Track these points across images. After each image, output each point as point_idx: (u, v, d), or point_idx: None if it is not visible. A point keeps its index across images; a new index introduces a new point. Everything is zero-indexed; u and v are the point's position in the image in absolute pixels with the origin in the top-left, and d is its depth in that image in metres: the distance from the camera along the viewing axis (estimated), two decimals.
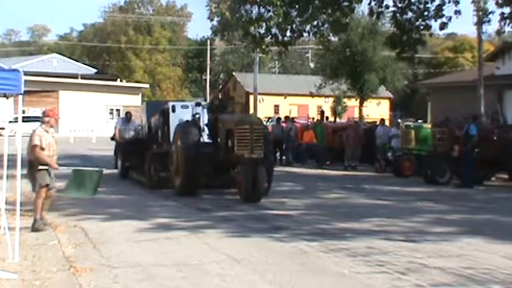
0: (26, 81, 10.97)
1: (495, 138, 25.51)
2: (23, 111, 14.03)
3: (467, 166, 24.43)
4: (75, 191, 14.18)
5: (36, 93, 62.47)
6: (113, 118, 72.62)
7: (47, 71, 74.71)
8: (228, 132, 20.04)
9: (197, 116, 21.40)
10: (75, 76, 78.07)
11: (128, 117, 27.13)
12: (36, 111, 65.40)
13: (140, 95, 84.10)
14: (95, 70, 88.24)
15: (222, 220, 15.56)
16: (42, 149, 13.35)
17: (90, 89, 75.54)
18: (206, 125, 21.57)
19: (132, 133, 26.18)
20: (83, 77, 79.64)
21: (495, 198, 21.47)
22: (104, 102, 73.39)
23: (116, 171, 25.28)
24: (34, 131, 13.64)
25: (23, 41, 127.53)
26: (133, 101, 78.49)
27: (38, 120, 54.69)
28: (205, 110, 22.12)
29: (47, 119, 13.76)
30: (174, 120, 22.56)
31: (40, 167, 13.37)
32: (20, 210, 11.49)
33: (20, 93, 11.09)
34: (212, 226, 14.74)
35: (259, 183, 18.64)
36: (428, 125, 32.42)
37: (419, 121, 43.40)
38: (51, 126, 13.85)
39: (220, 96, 22.49)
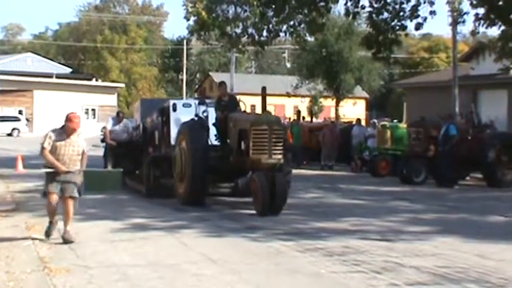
0: (0, 80, 10.93)
1: (470, 138, 25.66)
2: None
3: (448, 166, 24.59)
4: (98, 188, 14.11)
5: (10, 93, 62.19)
6: (88, 118, 72.39)
7: (21, 70, 74.17)
8: (241, 133, 17.48)
9: (205, 114, 18.76)
10: (50, 75, 77.57)
11: (120, 116, 25.06)
12: (10, 111, 65.33)
13: (116, 94, 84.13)
14: (70, 69, 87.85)
15: (198, 220, 15.53)
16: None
17: (66, 88, 75.20)
18: (214, 124, 18.73)
19: (124, 134, 24.06)
20: (58, 76, 79.19)
21: (469, 198, 21.59)
22: (80, 102, 72.97)
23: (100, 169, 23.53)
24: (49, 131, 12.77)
25: None
26: (109, 101, 78.61)
27: (13, 120, 54.30)
28: (213, 108, 19.40)
29: (64, 123, 12.60)
30: (174, 120, 20.56)
31: (44, 170, 12.70)
32: None
33: None
34: (188, 226, 14.72)
35: (278, 193, 16.11)
36: (404, 125, 32.55)
37: (395, 121, 43.46)
38: (67, 134, 12.47)
39: (225, 92, 19.67)
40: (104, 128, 25.69)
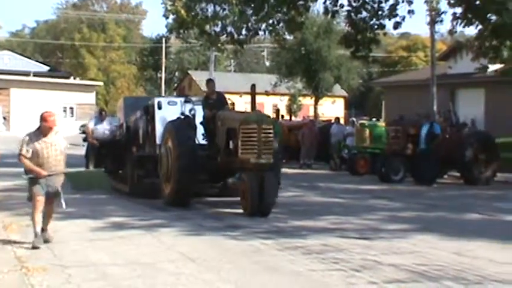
0: None
1: (448, 136, 25.80)
2: None
3: (431, 164, 24.74)
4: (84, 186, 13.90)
5: None
6: (66, 116, 72.08)
7: None
8: (229, 132, 16.97)
9: (192, 112, 18.14)
10: (27, 73, 77.26)
11: (103, 115, 24.79)
12: None
13: (94, 92, 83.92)
14: (48, 67, 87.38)
15: (177, 218, 15.51)
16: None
17: (43, 86, 74.87)
18: (201, 123, 18.15)
19: (107, 133, 23.59)
20: (36, 74, 78.78)
21: (447, 196, 21.70)
22: (58, 100, 72.50)
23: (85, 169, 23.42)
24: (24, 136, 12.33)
25: None
26: (87, 99, 78.35)
27: None
28: (199, 106, 18.77)
29: (40, 123, 12.12)
30: (159, 119, 19.82)
31: (24, 176, 12.25)
32: None
33: None
34: (167, 225, 14.69)
35: (267, 194, 15.71)
36: (382, 124, 32.76)
37: (374, 119, 43.66)
38: (45, 134, 12.01)
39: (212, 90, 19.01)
40: (84, 126, 25.20)
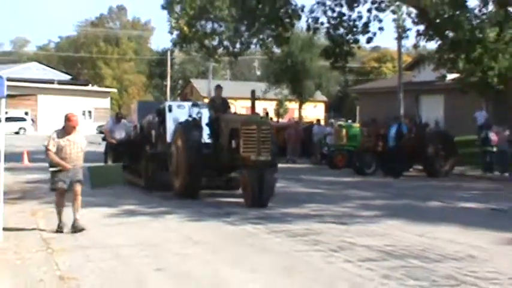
0: (8, 86, 10.84)
1: (412, 135, 25.84)
2: (6, 113, 13.48)
3: (400, 159, 24.79)
4: (101, 184, 13.69)
5: (17, 97, 61.62)
6: (85, 118, 71.89)
7: (27, 77, 73.61)
8: (232, 133, 16.50)
9: (199, 115, 17.79)
10: (51, 82, 77.16)
11: (118, 118, 24.02)
12: (17, 113, 64.83)
13: (109, 98, 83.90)
14: (70, 76, 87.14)
15: (181, 206, 15.48)
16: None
17: (65, 93, 74.81)
18: (207, 124, 17.72)
19: (123, 134, 22.87)
20: (59, 82, 78.73)
21: (412, 186, 21.70)
22: (78, 105, 72.18)
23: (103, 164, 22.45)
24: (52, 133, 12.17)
25: (6, 51, 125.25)
26: (103, 104, 78.55)
27: (20, 120, 53.61)
28: (205, 110, 18.50)
29: (64, 123, 12.06)
30: (170, 120, 19.67)
31: (50, 169, 12.05)
32: (4, 198, 11.34)
33: (3, 97, 10.98)
34: (172, 212, 14.67)
35: (266, 188, 15.44)
36: (357, 125, 32.75)
37: (350, 121, 43.63)
38: (68, 133, 11.93)
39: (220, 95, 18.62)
40: (101, 126, 24.89)
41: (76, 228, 11.74)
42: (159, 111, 20.69)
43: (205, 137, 17.58)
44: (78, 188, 11.97)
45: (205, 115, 17.89)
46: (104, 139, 24.37)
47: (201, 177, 16.94)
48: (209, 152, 17.00)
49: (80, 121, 12.54)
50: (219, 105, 18.12)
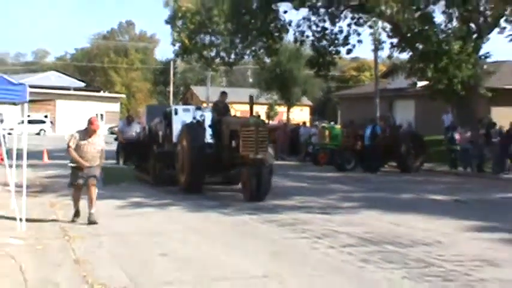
0: (30, 92, 10.84)
1: (387, 135, 25.88)
2: (28, 116, 13.44)
3: (375, 156, 24.84)
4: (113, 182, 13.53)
5: (38, 102, 61.44)
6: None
7: (46, 84, 73.58)
8: (232, 133, 16.25)
9: (202, 118, 17.55)
10: (68, 88, 77.28)
11: (129, 120, 23.98)
12: (38, 116, 64.72)
13: (119, 103, 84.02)
14: (84, 84, 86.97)
15: (183, 199, 15.46)
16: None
17: (80, 98, 74.93)
18: (210, 126, 17.47)
19: (133, 134, 22.79)
20: (75, 89, 78.83)
21: (387, 181, 21.73)
22: (91, 108, 72.10)
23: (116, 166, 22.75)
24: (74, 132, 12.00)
25: (28, 61, 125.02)
26: (114, 108, 78.72)
27: (40, 122, 53.17)
28: (208, 112, 18.35)
29: (87, 125, 11.84)
30: (176, 122, 19.32)
31: (70, 165, 11.82)
32: (26, 191, 11.32)
33: (26, 102, 10.99)
34: (175, 204, 14.67)
35: (263, 183, 15.16)
36: (338, 126, 32.81)
37: (332, 123, 43.66)
38: (89, 135, 11.70)
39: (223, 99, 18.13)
40: (111, 128, 24.78)
41: (90, 221, 11.45)
42: (166, 114, 20.40)
43: (208, 138, 17.37)
44: (93, 182, 11.66)
45: (207, 117, 17.67)
46: (116, 139, 24.19)
47: (204, 174, 16.70)
48: (211, 151, 16.75)
49: (101, 125, 12.26)
50: (221, 108, 17.80)
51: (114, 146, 24.36)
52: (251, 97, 17.74)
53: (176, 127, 18.94)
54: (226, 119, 17.14)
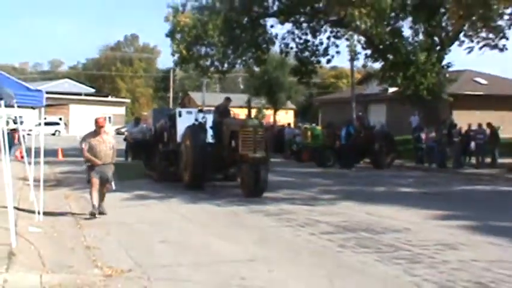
0: (46, 97, 10.82)
1: (362, 135, 25.93)
2: (44, 118, 13.32)
3: (349, 154, 24.89)
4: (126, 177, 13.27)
5: (53, 106, 61.15)
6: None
7: (61, 90, 73.45)
8: (232, 134, 15.72)
9: (204, 119, 17.07)
10: (80, 94, 77.18)
11: (137, 122, 23.66)
12: (53, 118, 64.49)
13: (124, 107, 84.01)
14: (94, 90, 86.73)
15: (181, 192, 15.43)
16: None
17: (90, 102, 74.69)
18: (211, 127, 16.97)
19: (140, 135, 22.35)
20: (86, 94, 78.70)
21: (362, 176, 21.81)
22: (100, 112, 71.71)
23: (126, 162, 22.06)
24: (84, 135, 11.70)
25: (44, 70, 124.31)
26: (120, 111, 78.69)
27: (55, 124, 52.82)
28: (209, 115, 17.74)
29: (94, 125, 11.51)
30: (180, 123, 18.58)
31: (86, 164, 11.47)
32: (43, 185, 11.28)
33: (42, 106, 10.97)
34: (174, 196, 14.65)
35: (261, 181, 14.63)
36: (319, 127, 32.82)
37: (314, 124, 43.70)
38: (98, 133, 11.37)
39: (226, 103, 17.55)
40: (117, 129, 24.37)
41: (101, 212, 11.23)
42: (170, 116, 19.86)
43: (209, 138, 16.92)
44: (107, 185, 11.40)
45: (209, 119, 17.25)
46: (125, 139, 23.81)
47: (206, 172, 16.13)
48: (212, 151, 16.23)
49: (107, 122, 11.82)
50: (223, 111, 17.23)
51: (123, 146, 24.23)
52: (249, 100, 17.59)
53: (180, 128, 18.39)
54: (226, 120, 16.63)
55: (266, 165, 15.11)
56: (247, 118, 17.07)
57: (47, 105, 11.92)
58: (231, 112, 18.06)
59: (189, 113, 19.10)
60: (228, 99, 17.83)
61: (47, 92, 12.00)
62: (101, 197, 11.42)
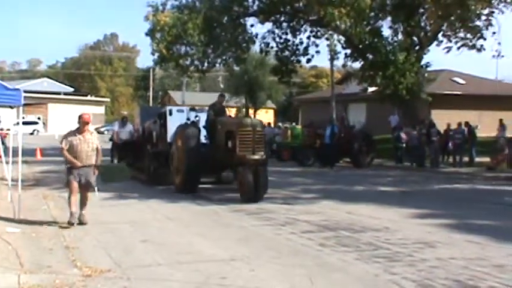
0: (24, 96, 10.71)
1: (342, 135, 26.05)
2: (23, 117, 13.15)
3: (333, 153, 24.99)
4: (110, 179, 12.72)
5: (32, 105, 60.65)
6: None
7: (39, 89, 72.79)
8: (228, 134, 14.55)
9: (197, 118, 16.09)
10: (58, 93, 76.52)
11: (124, 121, 22.56)
12: (32, 117, 63.84)
13: (104, 106, 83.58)
14: (73, 89, 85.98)
15: (162, 192, 15.38)
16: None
17: (69, 102, 74.07)
18: (204, 126, 15.76)
19: (127, 135, 21.54)
20: (64, 93, 78.07)
21: (342, 175, 21.90)
22: (79, 111, 70.45)
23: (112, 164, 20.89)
24: (66, 133, 10.62)
25: (23, 69, 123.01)
26: (99, 110, 78.03)
27: (34, 123, 52.31)
28: (202, 113, 16.60)
29: (78, 121, 10.47)
30: (170, 123, 17.45)
31: (65, 166, 10.44)
32: (21, 185, 11.16)
33: (21, 105, 10.85)
34: (154, 195, 14.57)
35: (261, 184, 13.54)
36: (299, 126, 32.95)
37: (294, 124, 43.83)
38: (82, 132, 10.32)
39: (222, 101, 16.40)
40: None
41: (81, 221, 10.19)
42: (160, 114, 18.78)
43: (202, 138, 15.74)
44: (88, 189, 10.39)
45: (202, 118, 16.14)
46: (110, 139, 23.10)
47: (199, 175, 15.11)
48: (206, 152, 15.06)
49: (91, 119, 10.67)
50: (218, 109, 15.97)
51: (108, 146, 23.93)
52: (246, 98, 17.16)
53: (170, 128, 17.28)
54: (221, 119, 15.41)
55: (265, 168, 14.02)
56: (245, 116, 16.62)
57: (25, 105, 11.78)
58: (228, 111, 17.40)
59: (180, 111, 18.07)
60: (222, 96, 17.04)
61: (25, 91, 11.86)
62: (82, 204, 10.41)
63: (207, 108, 16.74)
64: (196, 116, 16.33)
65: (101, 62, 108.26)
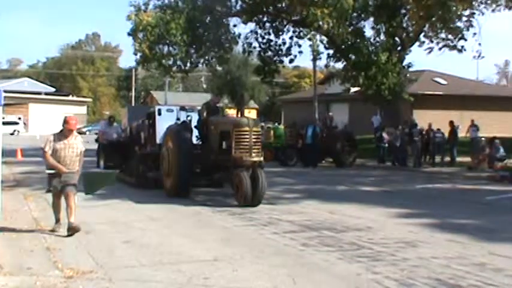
0: (5, 97, 10.59)
1: (325, 135, 26.13)
2: (3, 118, 12.93)
3: (316, 153, 25.05)
4: (95, 188, 12.09)
5: (12, 105, 60.14)
6: None
7: (20, 89, 72.17)
8: (223, 134, 13.79)
9: (189, 118, 15.29)
10: (40, 93, 75.89)
11: (111, 121, 21.81)
12: (12, 117, 63.28)
13: (86, 106, 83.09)
14: (54, 89, 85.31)
15: (143, 192, 15.30)
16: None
17: (51, 102, 73.64)
18: (195, 127, 14.93)
19: (114, 135, 20.60)
20: (46, 93, 77.43)
21: (324, 175, 21.95)
22: (60, 111, 70.67)
23: (97, 170, 19.10)
24: (49, 135, 9.95)
25: (3, 69, 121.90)
26: (81, 111, 77.58)
27: (14, 124, 51.76)
28: (193, 113, 15.78)
29: (62, 125, 9.87)
30: (159, 123, 16.71)
31: (47, 171, 9.75)
32: (2, 186, 11.03)
33: (0, 105, 10.72)
34: (138, 197, 14.46)
35: (259, 187, 12.75)
36: (282, 126, 32.95)
37: (276, 124, 43.84)
38: (66, 136, 9.72)
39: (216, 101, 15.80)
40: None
41: (72, 231, 9.35)
42: (149, 114, 17.97)
43: (194, 139, 14.94)
44: (71, 191, 9.55)
45: (194, 118, 15.35)
46: (97, 140, 22.33)
47: (191, 177, 14.25)
48: (198, 153, 14.42)
49: (77, 125, 10.15)
50: (213, 108, 15.24)
51: (93, 146, 23.48)
52: (241, 96, 16.80)
53: (160, 128, 16.48)
54: (214, 119, 14.62)
55: (263, 170, 13.27)
56: (242, 116, 16.24)
57: (6, 105, 11.65)
58: (226, 111, 16.94)
59: (170, 111, 17.28)
60: (217, 96, 16.45)
61: (6, 91, 11.74)
62: (70, 212, 9.52)
63: (198, 107, 16.16)
64: (188, 116, 15.59)
65: (82, 61, 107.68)
